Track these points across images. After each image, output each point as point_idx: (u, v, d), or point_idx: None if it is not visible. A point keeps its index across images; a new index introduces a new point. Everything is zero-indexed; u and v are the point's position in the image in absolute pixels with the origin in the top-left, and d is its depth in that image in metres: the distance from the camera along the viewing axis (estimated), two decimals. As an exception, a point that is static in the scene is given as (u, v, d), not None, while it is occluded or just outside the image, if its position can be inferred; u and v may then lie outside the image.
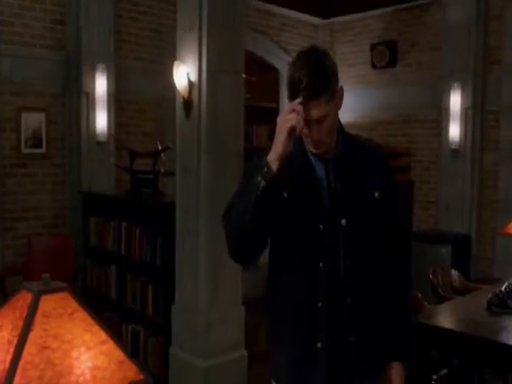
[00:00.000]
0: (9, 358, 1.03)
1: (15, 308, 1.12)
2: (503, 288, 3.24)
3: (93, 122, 5.02)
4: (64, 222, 5.20)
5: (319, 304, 1.71)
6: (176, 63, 3.55)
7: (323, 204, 1.73)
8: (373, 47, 6.59)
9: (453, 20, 5.82)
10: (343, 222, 1.72)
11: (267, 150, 1.65)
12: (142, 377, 1.13)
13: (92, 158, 5.09)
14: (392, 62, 6.50)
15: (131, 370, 1.12)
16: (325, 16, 6.89)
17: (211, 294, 3.66)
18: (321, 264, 1.71)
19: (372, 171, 1.80)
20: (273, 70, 6.74)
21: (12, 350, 1.03)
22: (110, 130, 5.12)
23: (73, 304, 1.13)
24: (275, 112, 6.84)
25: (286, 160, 1.60)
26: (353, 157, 1.78)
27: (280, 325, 1.83)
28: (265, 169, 1.58)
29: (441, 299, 3.86)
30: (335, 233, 1.72)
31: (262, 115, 6.68)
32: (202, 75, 3.48)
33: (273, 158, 1.58)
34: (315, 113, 1.62)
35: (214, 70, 3.49)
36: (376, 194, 1.77)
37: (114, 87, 5.10)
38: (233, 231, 1.72)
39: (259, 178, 1.58)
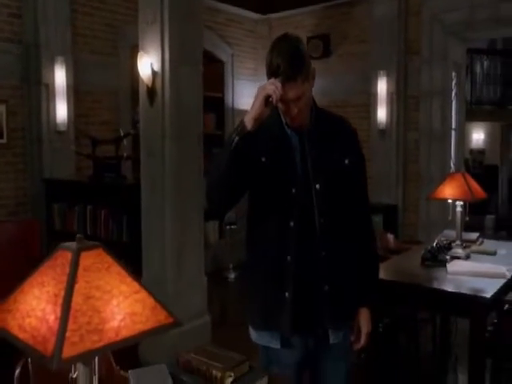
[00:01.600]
0: (59, 308, 1.06)
1: (55, 266, 1.15)
2: (434, 245, 3.47)
3: (53, 113, 4.90)
4: (27, 209, 5.06)
5: (288, 258, 1.80)
6: (140, 54, 3.54)
7: (296, 170, 1.82)
8: (308, 40, 6.72)
9: (378, 16, 6.03)
10: (317, 186, 1.81)
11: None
12: (171, 320, 1.19)
13: (53, 146, 4.97)
14: (326, 54, 6.66)
15: (162, 315, 1.18)
16: (264, 12, 6.96)
17: (178, 265, 3.71)
18: (291, 223, 1.81)
19: (341, 140, 1.90)
20: (218, 62, 6.76)
21: (60, 301, 1.07)
22: (70, 120, 5.00)
23: (108, 259, 1.18)
24: (221, 101, 6.88)
25: (262, 124, 1.68)
26: (324, 128, 1.86)
27: (254, 276, 1.93)
28: (239, 127, 1.68)
29: (381, 259, 4.07)
30: (309, 196, 1.82)
31: (209, 104, 6.65)
32: (165, 65, 3.49)
33: (247, 118, 1.67)
34: (292, 93, 1.71)
35: (176, 61, 3.51)
36: (346, 161, 1.87)
37: (72, 79, 4.98)
38: (211, 181, 1.82)
39: (234, 135, 1.68)
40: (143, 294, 1.18)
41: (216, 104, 6.63)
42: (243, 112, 7.15)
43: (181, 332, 3.66)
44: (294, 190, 1.81)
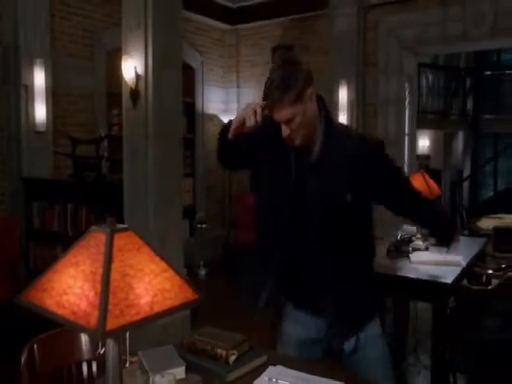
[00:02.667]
0: (97, 285, 1.07)
1: (88, 246, 1.15)
2: (398, 238, 3.60)
3: (32, 113, 4.75)
4: (5, 207, 4.90)
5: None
6: (124, 58, 3.51)
7: (288, 192, 1.76)
8: (274, 50, 6.82)
9: (338, 30, 6.17)
10: (316, 220, 1.74)
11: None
12: (196, 296, 1.22)
13: (32, 146, 4.83)
14: (289, 63, 6.76)
15: (189, 292, 1.21)
16: (232, 23, 7.00)
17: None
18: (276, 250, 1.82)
19: (350, 167, 1.72)
20: (189, 69, 6.74)
21: (99, 278, 1.08)
22: (49, 121, 4.88)
23: (138, 241, 1.19)
24: (192, 106, 6.87)
25: (254, 135, 1.69)
26: (332, 157, 1.73)
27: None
28: (224, 130, 1.76)
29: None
30: (303, 217, 1.76)
31: (180, 108, 6.67)
32: (149, 69, 3.48)
33: (231, 130, 1.67)
34: (279, 115, 1.66)
35: (158, 65, 3.50)
36: (348, 197, 1.71)
37: (50, 81, 4.86)
38: (217, 146, 1.86)
39: (224, 128, 1.77)
40: (171, 273, 1.20)
41: (187, 109, 6.61)
42: (212, 116, 7.19)
43: (163, 325, 3.65)
44: (286, 207, 1.76)
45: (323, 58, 6.43)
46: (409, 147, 6.43)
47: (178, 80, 3.69)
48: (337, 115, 6.32)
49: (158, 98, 3.53)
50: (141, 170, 3.62)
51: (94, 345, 1.98)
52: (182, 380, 1.53)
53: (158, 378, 1.38)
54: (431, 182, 3.66)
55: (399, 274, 3.15)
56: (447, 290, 2.91)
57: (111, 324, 1.02)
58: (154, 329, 3.63)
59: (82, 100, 5.36)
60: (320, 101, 1.84)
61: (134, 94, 3.54)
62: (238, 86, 7.31)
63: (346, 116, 6.27)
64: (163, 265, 1.20)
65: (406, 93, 6.27)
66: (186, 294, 1.20)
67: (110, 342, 1.18)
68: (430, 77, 11.00)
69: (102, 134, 4.28)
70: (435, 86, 11.16)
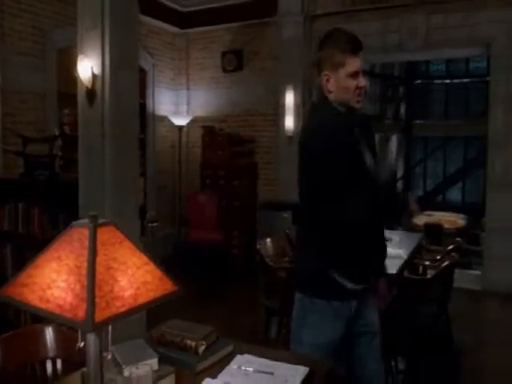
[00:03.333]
0: (83, 278, 1.05)
1: (71, 241, 1.13)
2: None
3: (-20, 112, 4.52)
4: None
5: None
6: (80, 57, 3.40)
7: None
8: (223, 54, 6.83)
9: (286, 36, 6.27)
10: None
11: None
12: (175, 288, 1.22)
13: (-21, 145, 4.59)
14: (239, 67, 6.80)
15: (169, 284, 1.21)
16: (182, 27, 6.95)
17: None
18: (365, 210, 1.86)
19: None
20: (140, 71, 6.59)
21: (84, 272, 1.06)
22: (-2, 119, 4.66)
23: (119, 235, 1.19)
24: (143, 107, 6.75)
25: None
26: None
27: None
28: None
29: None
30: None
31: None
32: (105, 69, 3.39)
33: None
34: (360, 63, 1.90)
35: (115, 65, 3.41)
36: None
37: (0, 79, 4.63)
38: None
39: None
40: (151, 266, 1.20)
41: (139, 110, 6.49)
42: (163, 118, 7.09)
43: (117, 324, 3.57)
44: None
45: (272, 62, 6.52)
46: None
47: (134, 81, 3.62)
48: (283, 118, 6.43)
49: (115, 97, 3.44)
50: (97, 170, 3.52)
51: (58, 342, 1.93)
52: (155, 371, 1.53)
53: (134, 369, 1.37)
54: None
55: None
56: (391, 280, 3.04)
57: (99, 316, 1.01)
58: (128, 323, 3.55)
59: (33, 98, 5.14)
60: None
61: (91, 93, 3.44)
62: (188, 89, 7.26)
63: (291, 118, 6.38)
64: (144, 258, 1.19)
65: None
66: (166, 285, 1.20)
67: (91, 336, 1.16)
68: (368, 83, 11.38)
69: (56, 133, 4.12)
70: (372, 92, 11.58)
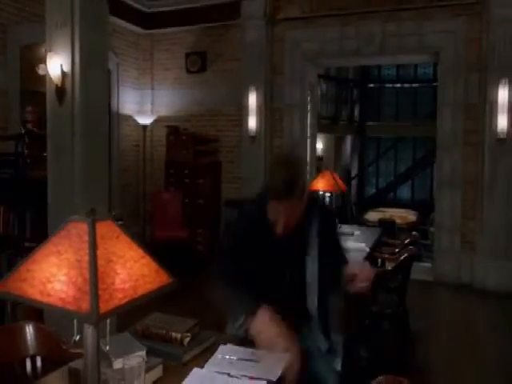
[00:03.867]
0: (85, 271, 1.05)
1: (70, 236, 1.12)
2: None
3: None
4: None
5: None
6: (49, 54, 3.31)
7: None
8: (187, 55, 6.78)
9: (249, 40, 6.31)
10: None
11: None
12: (170, 280, 1.23)
13: None
14: (203, 68, 6.78)
15: (164, 276, 1.21)
16: (146, 27, 6.85)
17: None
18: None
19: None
20: (104, 70, 6.47)
21: (86, 265, 1.05)
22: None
23: (116, 229, 1.18)
24: (107, 106, 6.60)
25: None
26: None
27: None
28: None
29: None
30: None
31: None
32: (75, 67, 3.31)
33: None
34: (286, 209, 1.78)
35: (86, 64, 3.34)
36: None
37: (-40, 76, 4.43)
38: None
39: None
40: (148, 259, 1.20)
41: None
42: (127, 117, 6.96)
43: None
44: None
45: (235, 64, 6.54)
46: (310, 149, 6.75)
47: (104, 79, 3.55)
48: (246, 118, 6.46)
49: (85, 95, 3.37)
50: (67, 168, 3.43)
51: (38, 340, 1.88)
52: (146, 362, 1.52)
53: (126, 361, 1.37)
54: (338, 180, 3.91)
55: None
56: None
57: (103, 308, 1.01)
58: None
59: (-5, 96, 4.94)
60: None
61: (60, 91, 3.35)
62: (152, 88, 7.17)
63: (254, 119, 6.43)
64: (140, 251, 1.19)
65: (308, 99, 6.58)
66: (162, 278, 1.20)
67: (89, 329, 1.15)
68: (324, 86, 11.61)
69: (22, 131, 3.97)
70: (327, 95, 11.81)
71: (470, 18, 5.44)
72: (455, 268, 5.70)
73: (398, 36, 5.71)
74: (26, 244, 3.88)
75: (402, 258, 3.41)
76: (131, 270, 1.13)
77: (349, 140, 13.46)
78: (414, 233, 4.29)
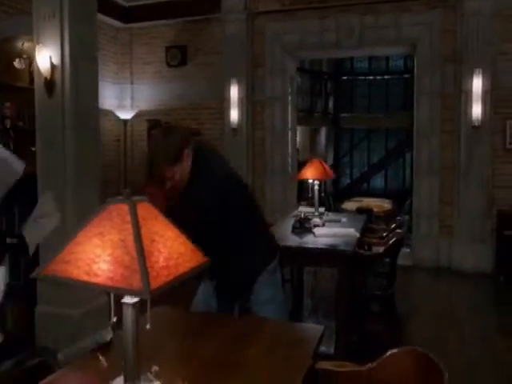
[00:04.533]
0: (132, 251, 1.06)
1: (111, 217, 1.13)
2: (301, 216, 3.86)
3: None
4: None
5: None
6: (38, 47, 3.24)
7: None
8: (167, 49, 6.73)
9: (229, 33, 6.30)
10: None
11: None
12: (205, 259, 1.26)
13: None
14: (183, 62, 6.73)
15: (199, 255, 1.24)
16: (125, 21, 6.74)
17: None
18: None
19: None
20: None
21: (131, 244, 1.07)
22: None
23: (153, 210, 1.20)
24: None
25: None
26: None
27: None
28: None
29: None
30: None
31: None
32: (65, 60, 3.26)
33: None
34: (164, 176, 2.02)
35: (76, 56, 3.30)
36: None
37: None
38: None
39: None
40: (183, 239, 1.23)
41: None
42: (107, 112, 6.86)
43: (81, 314, 3.45)
44: None
45: (216, 57, 6.53)
46: (291, 140, 6.81)
47: (94, 72, 3.51)
48: (228, 111, 6.46)
49: (75, 88, 3.31)
50: (58, 162, 3.38)
51: None
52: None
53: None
54: (326, 168, 3.99)
55: (310, 246, 3.39)
56: (349, 256, 3.22)
57: (153, 284, 1.03)
58: (70, 323, 3.43)
59: (-27, 91, 4.79)
60: (197, 151, 2.08)
61: (50, 84, 3.29)
62: (131, 83, 7.08)
63: (236, 111, 6.44)
64: (176, 231, 1.22)
65: (289, 91, 6.64)
66: (198, 257, 1.23)
67: (128, 309, 1.17)
68: (299, 79, 11.68)
69: (8, 125, 3.88)
70: (303, 87, 11.90)
71: (444, 10, 5.59)
72: (434, 252, 5.88)
73: (376, 28, 5.82)
74: (8, 240, 3.81)
75: (392, 241, 3.51)
76: (171, 249, 1.16)
77: (323, 132, 13.61)
78: (398, 217, 4.41)
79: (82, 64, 3.37)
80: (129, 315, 1.17)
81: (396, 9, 5.75)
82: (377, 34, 5.86)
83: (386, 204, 10.32)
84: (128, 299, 1.17)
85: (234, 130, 6.49)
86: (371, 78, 12.93)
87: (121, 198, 1.15)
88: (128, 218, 1.11)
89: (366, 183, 13.82)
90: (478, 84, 5.36)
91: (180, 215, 1.85)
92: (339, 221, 4.24)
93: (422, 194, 5.94)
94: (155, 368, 1.25)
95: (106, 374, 1.36)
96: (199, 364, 1.48)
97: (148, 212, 1.16)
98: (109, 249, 1.08)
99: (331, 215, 4.54)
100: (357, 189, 13.24)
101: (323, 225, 3.97)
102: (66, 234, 3.34)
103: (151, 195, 1.68)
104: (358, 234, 3.64)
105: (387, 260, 3.78)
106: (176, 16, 6.51)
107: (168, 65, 6.80)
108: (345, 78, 13.14)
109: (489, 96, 5.38)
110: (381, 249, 3.68)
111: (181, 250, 1.19)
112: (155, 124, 6.66)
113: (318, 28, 6.07)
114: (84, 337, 3.44)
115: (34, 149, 3.50)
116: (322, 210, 4.52)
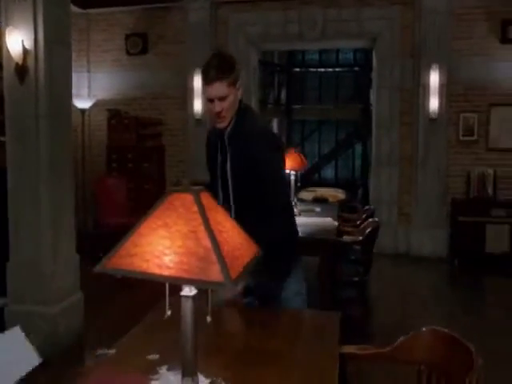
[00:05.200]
0: (205, 242, 1.03)
1: (175, 208, 1.08)
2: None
3: None
4: None
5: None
6: (9, 29, 3.02)
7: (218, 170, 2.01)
8: (127, 37, 6.49)
9: (192, 22, 6.18)
10: (231, 182, 1.96)
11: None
12: (258, 248, 1.24)
13: None
14: (144, 51, 6.53)
15: (254, 245, 1.22)
16: (83, 6, 6.41)
17: (53, 246, 3.31)
18: (220, 194, 2.00)
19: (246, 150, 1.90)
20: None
21: (203, 235, 1.04)
22: None
23: (212, 200, 1.16)
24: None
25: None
26: (237, 138, 1.92)
27: None
28: None
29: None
30: (227, 188, 1.98)
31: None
32: (39, 44, 3.06)
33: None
34: (217, 91, 1.82)
35: (50, 41, 3.11)
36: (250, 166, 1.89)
37: None
38: None
39: None
40: (239, 229, 1.20)
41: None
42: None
43: (57, 312, 3.29)
44: (219, 183, 2.00)
45: (178, 47, 6.39)
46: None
47: (68, 57, 3.31)
48: (192, 100, 6.36)
49: (49, 74, 3.12)
50: (31, 152, 3.18)
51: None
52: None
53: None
54: (303, 159, 4.05)
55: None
56: (331, 244, 3.30)
57: (232, 274, 1.00)
58: (44, 321, 3.26)
59: None
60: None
61: (22, 69, 3.08)
62: (88, 71, 6.77)
63: (200, 101, 6.35)
64: (233, 222, 1.19)
65: (252, 83, 6.62)
66: (253, 247, 1.21)
67: (188, 302, 1.14)
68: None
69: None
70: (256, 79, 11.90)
71: (404, 7, 5.79)
72: (393, 239, 6.12)
73: (338, 22, 5.92)
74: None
75: (369, 229, 3.62)
76: (234, 239, 1.13)
77: (275, 123, 13.72)
78: (370, 206, 4.55)
79: (57, 49, 3.18)
80: (188, 308, 1.14)
81: (358, 3, 5.88)
82: (339, 27, 5.97)
83: (339, 194, 10.60)
84: (187, 291, 1.13)
85: (198, 120, 6.39)
86: (322, 70, 13.17)
87: (181, 187, 1.11)
88: (194, 208, 1.07)
89: (317, 174, 14.12)
90: (435, 78, 5.62)
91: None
92: (313, 210, 4.32)
93: (382, 183, 6.16)
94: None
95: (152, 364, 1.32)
96: (230, 356, 1.47)
97: (209, 202, 1.13)
98: (178, 240, 1.04)
99: (303, 205, 4.60)
100: (309, 179, 13.50)
101: (299, 214, 4.03)
102: (39, 225, 3.18)
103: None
104: (336, 223, 3.72)
105: (358, 247, 3.91)
106: (135, 3, 6.29)
107: (128, 53, 6.57)
108: (297, 69, 13.29)
109: (445, 90, 5.65)
110: (358, 237, 3.79)
111: (240, 239, 1.17)
112: (116, 114, 6.42)
113: (282, 20, 6.09)
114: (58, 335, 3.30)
115: (2, 139, 3.28)
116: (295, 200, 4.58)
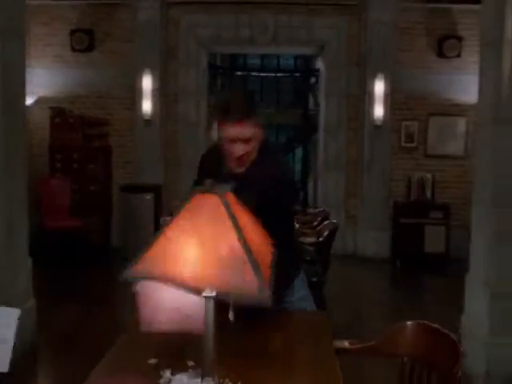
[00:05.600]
0: (235, 242, 1.03)
1: (200, 210, 1.07)
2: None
3: None
4: None
5: None
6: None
7: None
8: (72, 32, 6.21)
9: (142, 20, 6.04)
10: None
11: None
12: (272, 247, 1.25)
13: None
14: (90, 48, 6.27)
15: (268, 244, 1.23)
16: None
17: (5, 249, 3.11)
18: None
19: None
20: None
21: (232, 235, 1.03)
22: None
23: (234, 200, 1.16)
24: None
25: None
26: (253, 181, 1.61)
27: None
28: None
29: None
30: None
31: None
32: (-9, 36, 2.86)
33: None
34: (243, 131, 1.61)
35: (3, 32, 2.91)
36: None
37: None
38: None
39: None
40: (256, 226, 1.21)
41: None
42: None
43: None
44: None
45: (126, 46, 6.22)
46: (204, 133, 6.78)
47: (23, 50, 3.13)
48: (140, 101, 6.23)
49: (2, 69, 2.92)
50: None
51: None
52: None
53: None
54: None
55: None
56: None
57: (264, 276, 1.01)
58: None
59: None
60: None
61: (-29, 62, 2.86)
62: (28, 66, 6.36)
63: (149, 103, 6.23)
64: (252, 218, 1.20)
65: (201, 85, 6.59)
66: (268, 246, 1.23)
67: (210, 301, 1.13)
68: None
69: None
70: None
71: (351, 17, 6.04)
72: (340, 240, 6.32)
73: (289, 28, 6.06)
74: None
75: (328, 231, 3.73)
76: (258, 237, 1.14)
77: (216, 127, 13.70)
78: (325, 209, 4.68)
79: (9, 42, 2.99)
80: (210, 309, 1.13)
81: (308, 11, 6.04)
82: (289, 34, 6.10)
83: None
84: (208, 292, 1.12)
85: (147, 121, 6.26)
86: (263, 74, 13.35)
87: (205, 188, 1.10)
88: (222, 209, 1.07)
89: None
90: (380, 87, 5.90)
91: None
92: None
93: (330, 186, 6.37)
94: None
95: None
96: (234, 357, 1.47)
97: (234, 203, 1.13)
98: (208, 243, 1.03)
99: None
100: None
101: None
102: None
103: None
104: (296, 225, 3.80)
105: (311, 248, 4.01)
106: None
107: (73, 49, 6.28)
108: (239, 73, 13.37)
109: (389, 99, 5.95)
110: (314, 238, 3.89)
111: (259, 239, 1.18)
112: (59, 112, 6.12)
113: (233, 23, 6.12)
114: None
115: None
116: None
